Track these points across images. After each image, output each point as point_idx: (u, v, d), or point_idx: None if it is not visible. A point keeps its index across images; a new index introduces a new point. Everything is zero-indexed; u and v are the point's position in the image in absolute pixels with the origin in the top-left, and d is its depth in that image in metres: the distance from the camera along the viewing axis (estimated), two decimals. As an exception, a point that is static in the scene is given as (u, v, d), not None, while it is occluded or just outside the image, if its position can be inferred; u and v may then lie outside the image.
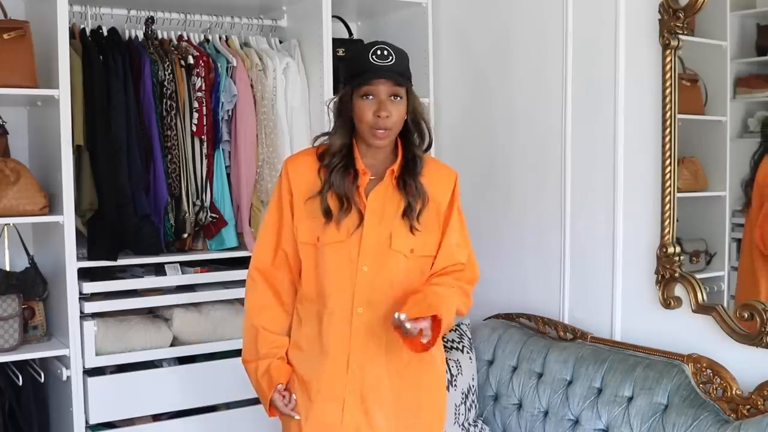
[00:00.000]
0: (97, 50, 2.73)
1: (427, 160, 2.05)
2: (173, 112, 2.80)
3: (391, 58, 1.91)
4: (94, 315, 2.71)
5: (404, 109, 1.95)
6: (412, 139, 2.01)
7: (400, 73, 1.92)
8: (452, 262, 2.06)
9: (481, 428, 2.74)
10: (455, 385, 2.72)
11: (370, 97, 1.91)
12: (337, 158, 1.98)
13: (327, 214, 1.97)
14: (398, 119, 1.94)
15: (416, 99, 2.00)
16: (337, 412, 1.99)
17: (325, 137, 2.04)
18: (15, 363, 2.69)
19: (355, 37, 3.48)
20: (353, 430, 1.99)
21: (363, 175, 1.99)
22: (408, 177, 1.99)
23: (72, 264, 2.60)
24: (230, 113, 2.94)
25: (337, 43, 3.08)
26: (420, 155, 2.01)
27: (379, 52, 1.90)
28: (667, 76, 2.42)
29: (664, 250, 2.45)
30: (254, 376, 2.06)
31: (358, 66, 1.93)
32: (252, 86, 2.98)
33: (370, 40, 3.42)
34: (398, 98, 1.93)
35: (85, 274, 2.70)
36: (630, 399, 2.36)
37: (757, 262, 2.31)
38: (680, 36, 2.39)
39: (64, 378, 2.63)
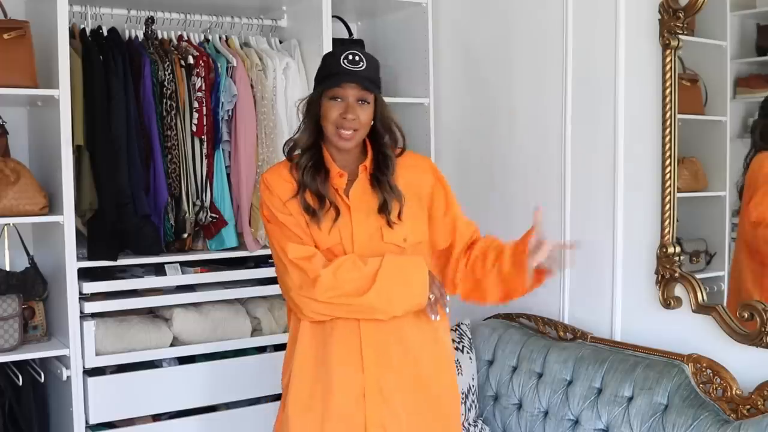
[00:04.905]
0: (97, 50, 2.73)
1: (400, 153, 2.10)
2: (173, 112, 2.80)
3: (362, 63, 1.96)
4: (94, 315, 2.70)
5: (371, 113, 2.00)
6: (381, 140, 2.05)
7: (369, 79, 1.97)
8: (471, 231, 2.14)
9: (481, 428, 2.74)
10: (455, 385, 2.72)
11: (339, 99, 1.96)
12: (306, 158, 2.01)
13: (308, 210, 1.98)
14: (364, 122, 1.98)
15: (385, 106, 2.05)
16: (360, 409, 1.99)
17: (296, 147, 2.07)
18: (15, 363, 2.70)
19: (355, 37, 3.48)
20: (379, 426, 1.99)
21: (340, 177, 2.02)
22: (380, 175, 2.03)
23: (72, 264, 2.60)
24: (230, 113, 2.94)
25: (337, 43, 3.08)
26: (390, 155, 2.05)
27: (350, 57, 1.96)
28: (667, 76, 2.42)
29: (664, 250, 2.45)
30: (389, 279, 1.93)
31: (329, 69, 1.98)
32: (252, 86, 2.97)
33: (370, 41, 3.47)
34: (365, 103, 1.98)
35: (85, 274, 2.69)
36: (630, 399, 2.36)
37: (745, 261, 2.32)
38: (680, 36, 2.39)
39: (64, 378, 2.63)
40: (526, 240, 1.97)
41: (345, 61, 1.95)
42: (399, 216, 2.01)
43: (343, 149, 2.01)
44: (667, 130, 2.43)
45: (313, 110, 2.01)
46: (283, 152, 2.10)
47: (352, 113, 1.95)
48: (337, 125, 1.96)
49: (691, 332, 2.39)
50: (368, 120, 2.00)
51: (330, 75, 1.97)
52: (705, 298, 2.37)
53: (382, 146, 2.05)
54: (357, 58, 1.96)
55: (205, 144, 2.87)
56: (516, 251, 2.00)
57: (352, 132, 1.97)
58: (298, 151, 2.06)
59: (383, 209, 2.00)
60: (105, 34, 2.83)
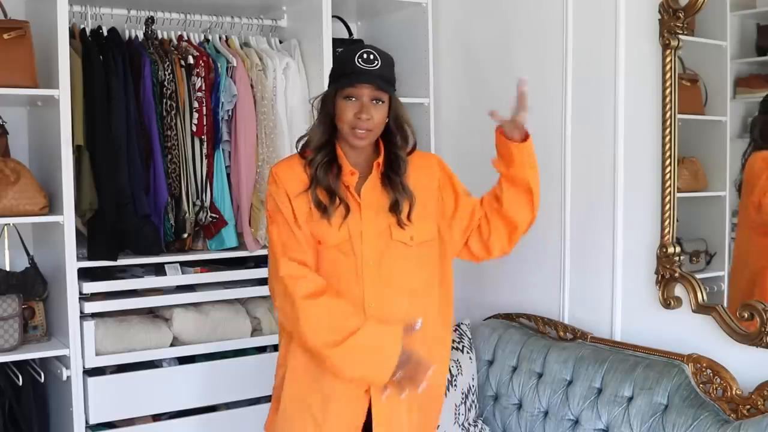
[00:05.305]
0: (97, 50, 2.73)
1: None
2: (173, 112, 2.80)
3: (376, 62, 1.94)
4: (94, 315, 2.71)
5: (385, 112, 2.00)
6: (393, 139, 2.06)
7: (384, 78, 1.96)
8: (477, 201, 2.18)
9: (481, 428, 2.74)
10: (455, 385, 2.72)
11: (353, 99, 1.95)
12: (320, 155, 2.01)
13: (319, 206, 1.98)
14: (379, 122, 1.98)
15: (399, 104, 2.05)
16: (363, 405, 1.99)
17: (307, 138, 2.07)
18: (15, 363, 2.70)
19: (355, 37, 3.48)
20: (383, 424, 1.99)
21: (351, 175, 2.02)
22: (393, 174, 2.03)
23: (72, 264, 2.60)
24: (230, 113, 2.94)
25: (337, 43, 3.08)
26: (403, 156, 2.05)
27: (365, 56, 1.94)
28: (667, 76, 2.42)
29: (664, 250, 2.45)
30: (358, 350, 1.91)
31: (344, 68, 1.97)
32: (252, 86, 2.98)
33: (370, 41, 3.47)
34: (380, 102, 1.97)
35: (85, 274, 2.70)
36: (630, 399, 2.36)
37: (755, 243, 2.33)
38: (680, 36, 2.39)
39: (64, 378, 2.63)
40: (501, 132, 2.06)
41: (359, 60, 1.93)
42: (409, 217, 2.01)
43: (357, 147, 2.01)
44: (667, 130, 2.43)
45: (327, 108, 2.01)
46: (296, 148, 2.10)
47: (367, 113, 1.94)
48: (351, 125, 1.95)
49: (691, 332, 2.39)
50: (382, 119, 1.99)
51: (344, 74, 1.95)
52: (705, 298, 2.37)
53: (393, 146, 2.05)
54: (371, 56, 1.94)
55: (205, 144, 2.87)
56: (498, 146, 2.09)
57: (365, 132, 1.97)
58: (310, 146, 2.06)
59: (394, 208, 2.01)
60: (105, 34, 2.83)
